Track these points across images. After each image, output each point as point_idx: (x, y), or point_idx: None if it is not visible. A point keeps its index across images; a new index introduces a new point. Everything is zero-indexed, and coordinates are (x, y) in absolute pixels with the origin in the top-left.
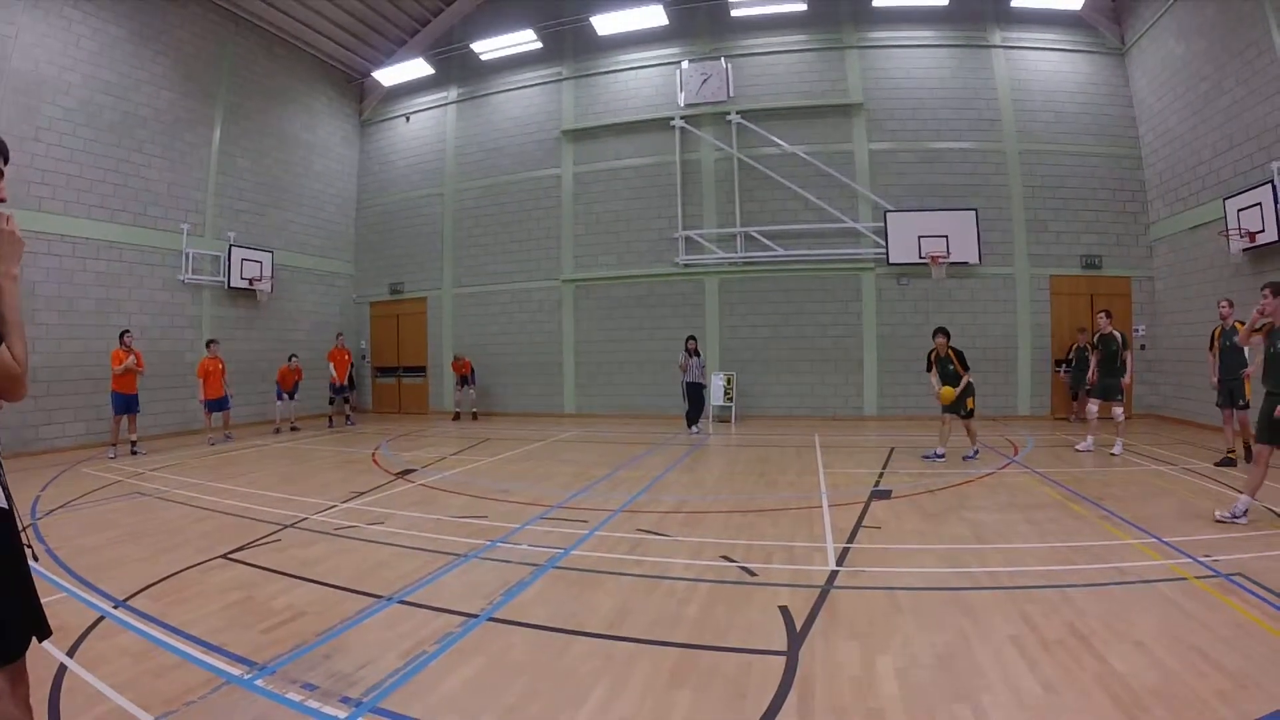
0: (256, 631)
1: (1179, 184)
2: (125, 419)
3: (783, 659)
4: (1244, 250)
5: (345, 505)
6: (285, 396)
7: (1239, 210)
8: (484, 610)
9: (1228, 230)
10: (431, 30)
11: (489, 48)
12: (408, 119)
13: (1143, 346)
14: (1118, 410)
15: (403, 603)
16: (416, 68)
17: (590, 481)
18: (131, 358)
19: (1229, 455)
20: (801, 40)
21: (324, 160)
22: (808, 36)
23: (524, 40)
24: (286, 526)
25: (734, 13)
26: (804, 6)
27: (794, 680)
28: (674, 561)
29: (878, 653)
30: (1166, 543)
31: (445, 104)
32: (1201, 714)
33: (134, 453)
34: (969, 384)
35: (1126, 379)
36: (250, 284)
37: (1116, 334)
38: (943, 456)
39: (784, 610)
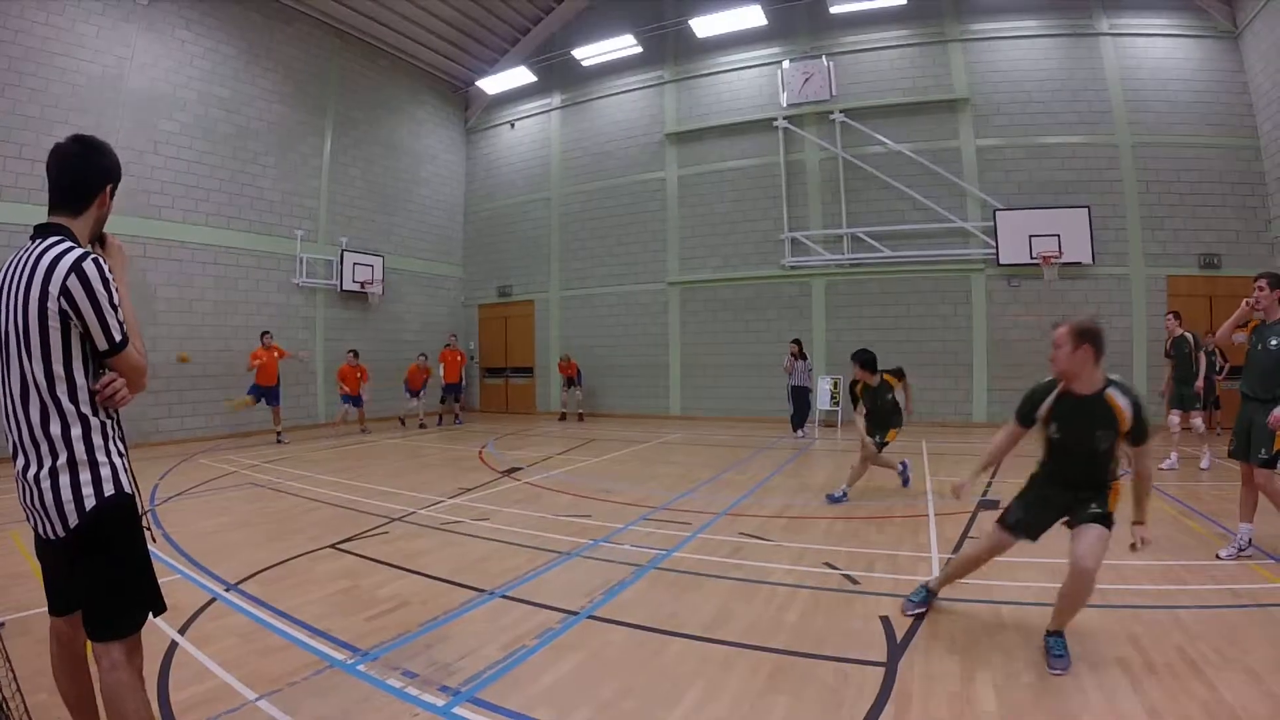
0: (361, 619)
1: None
2: (270, 410)
3: (881, 670)
4: None
5: (452, 501)
6: (416, 395)
7: None
8: (584, 608)
9: None
10: (532, 38)
11: (590, 54)
12: (512, 125)
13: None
14: (1196, 421)
15: (505, 597)
16: (519, 75)
17: (694, 484)
18: (275, 354)
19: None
20: (903, 35)
21: (431, 167)
22: (909, 31)
23: (624, 45)
24: (394, 519)
25: (833, 9)
26: (903, 1)
27: (892, 692)
28: (775, 566)
29: (978, 668)
30: None
31: (549, 110)
32: None
33: (279, 441)
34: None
35: (1198, 384)
36: (362, 287)
37: (1188, 336)
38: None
39: (885, 620)
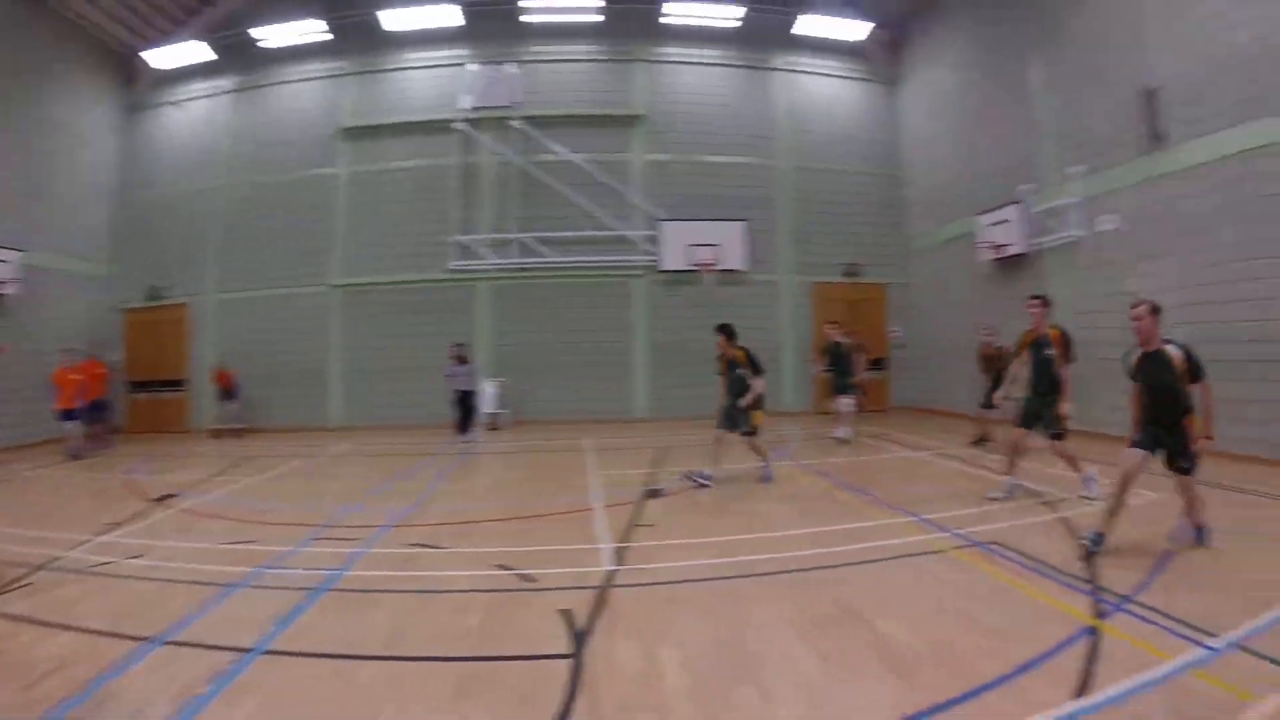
0: (16, 689)
1: (937, 202)
2: None
3: (568, 662)
4: (993, 260)
5: (101, 539)
6: (71, 416)
7: (990, 225)
8: (258, 642)
9: (981, 243)
10: (213, 12)
11: (272, 35)
12: (181, 107)
13: (902, 346)
14: (848, 401)
15: (171, 643)
16: (195, 51)
17: (361, 497)
18: None
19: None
20: (591, 50)
21: (85, 149)
22: (598, 47)
23: (310, 30)
24: (39, 568)
25: (528, 18)
26: (598, 18)
27: (580, 682)
28: (451, 574)
29: (660, 647)
30: (926, 520)
31: (222, 93)
32: (970, 668)
33: None
34: (759, 396)
35: (856, 378)
36: None
37: (842, 341)
38: (709, 480)
39: (565, 614)
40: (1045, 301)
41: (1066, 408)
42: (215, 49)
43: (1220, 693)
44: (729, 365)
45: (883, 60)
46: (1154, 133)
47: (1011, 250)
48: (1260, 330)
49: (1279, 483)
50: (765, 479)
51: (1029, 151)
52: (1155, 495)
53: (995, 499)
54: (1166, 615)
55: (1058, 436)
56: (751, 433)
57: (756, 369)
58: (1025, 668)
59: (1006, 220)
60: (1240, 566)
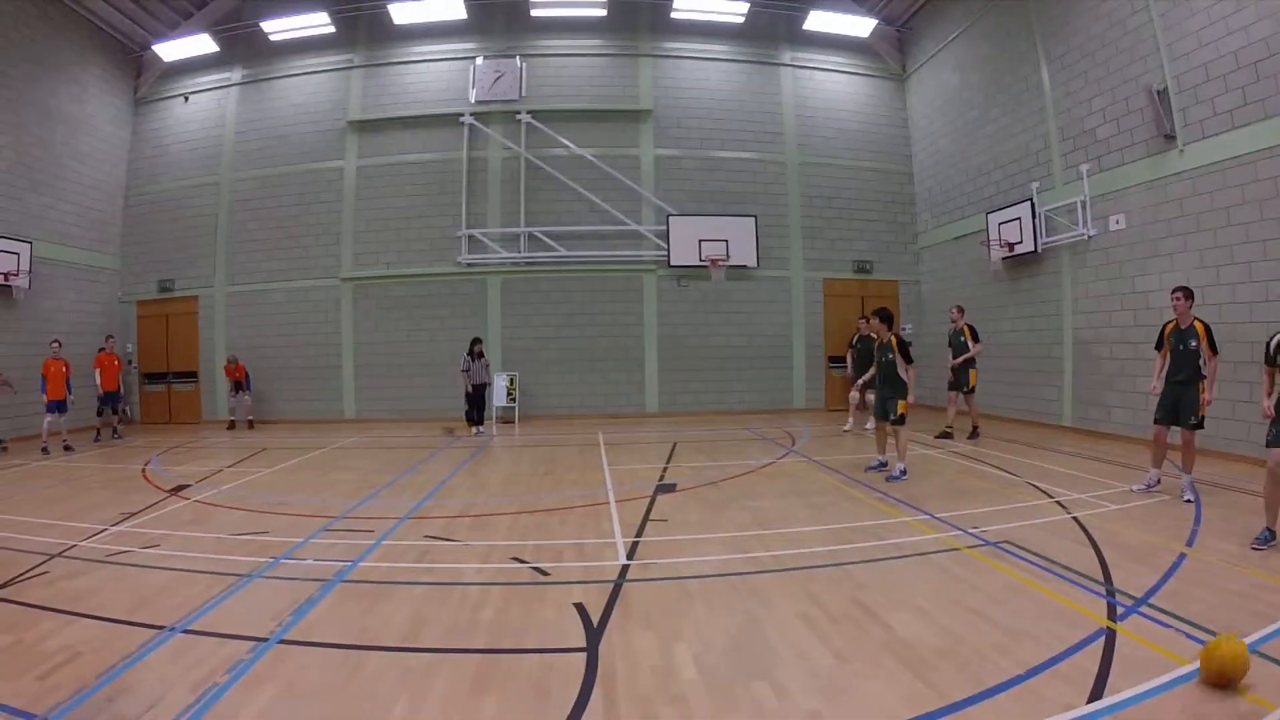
0: (31, 679)
1: (946, 199)
2: None
3: (583, 655)
4: (1003, 259)
5: (116, 528)
6: (56, 409)
7: (1000, 224)
8: (274, 633)
9: (988, 240)
10: (220, 3)
11: (280, 28)
12: (186, 99)
13: (909, 344)
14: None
15: (187, 632)
16: (201, 44)
17: (373, 489)
18: None
19: (947, 430)
20: (598, 45)
21: (92, 140)
22: (604, 41)
23: (317, 23)
24: (53, 556)
25: (534, 12)
26: (603, 12)
27: (596, 675)
28: (465, 566)
29: (674, 641)
30: (938, 518)
31: (228, 85)
32: (984, 667)
33: None
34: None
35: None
36: (5, 279)
37: (872, 335)
38: (884, 465)
39: (579, 607)
40: (1188, 294)
41: (1208, 397)
42: (220, 41)
43: (1235, 698)
44: (883, 349)
45: (890, 56)
46: (1162, 133)
47: (1022, 249)
48: (1264, 330)
49: None
50: (894, 477)
51: (1037, 149)
52: (1167, 496)
53: (1137, 490)
54: (1180, 618)
55: (1197, 427)
56: (898, 421)
57: (907, 358)
58: (1040, 669)
59: (1016, 218)
60: (1249, 569)
